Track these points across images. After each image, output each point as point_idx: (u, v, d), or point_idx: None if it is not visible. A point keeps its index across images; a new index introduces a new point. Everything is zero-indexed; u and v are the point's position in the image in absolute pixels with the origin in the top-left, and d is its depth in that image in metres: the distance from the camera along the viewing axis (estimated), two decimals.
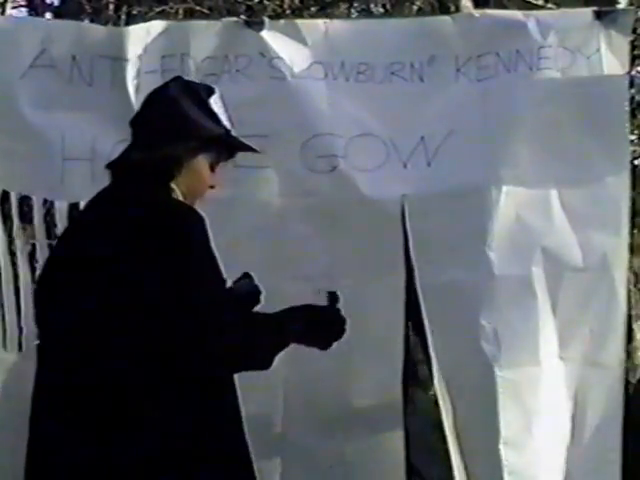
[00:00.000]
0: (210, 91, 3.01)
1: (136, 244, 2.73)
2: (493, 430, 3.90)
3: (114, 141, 3.86)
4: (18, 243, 4.13)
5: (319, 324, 2.91)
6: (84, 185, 3.91)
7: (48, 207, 4.21)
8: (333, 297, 2.92)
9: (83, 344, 2.74)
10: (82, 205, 3.84)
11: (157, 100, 3.00)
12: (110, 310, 2.71)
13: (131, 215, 2.80)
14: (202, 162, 2.97)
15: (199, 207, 2.91)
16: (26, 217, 4.20)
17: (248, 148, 3.09)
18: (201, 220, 2.78)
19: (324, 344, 2.93)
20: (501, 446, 3.90)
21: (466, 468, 3.95)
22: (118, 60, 3.94)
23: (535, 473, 3.97)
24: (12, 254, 4.17)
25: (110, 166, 2.97)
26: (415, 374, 4.10)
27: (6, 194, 4.10)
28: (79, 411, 2.73)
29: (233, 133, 3.02)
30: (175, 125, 2.92)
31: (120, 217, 2.81)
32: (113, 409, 2.70)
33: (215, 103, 2.99)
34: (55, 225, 4.07)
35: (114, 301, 2.71)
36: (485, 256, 3.94)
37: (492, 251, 3.95)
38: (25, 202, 4.17)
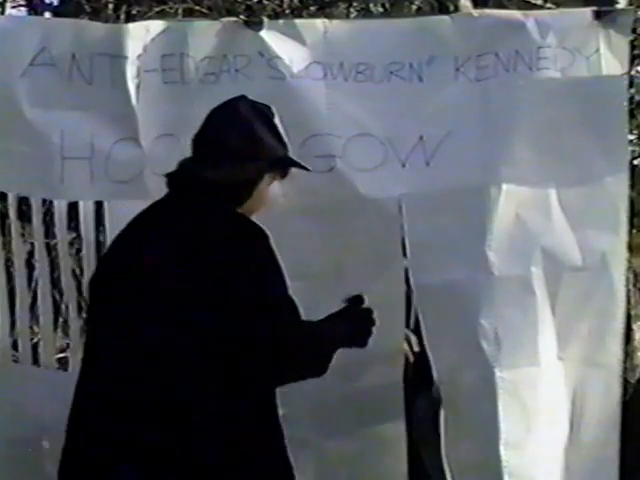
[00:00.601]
0: (272, 111, 3.10)
1: (213, 255, 2.81)
2: (493, 430, 3.91)
3: (114, 139, 3.89)
4: (15, 243, 4.12)
5: (359, 326, 3.06)
6: (83, 184, 3.92)
7: (47, 206, 4.21)
8: (359, 299, 3.11)
9: (152, 344, 2.79)
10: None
11: (228, 119, 3.06)
12: (184, 313, 2.77)
13: (206, 229, 2.87)
14: (266, 181, 3.07)
15: None
16: (25, 216, 4.19)
17: (303, 167, 3.21)
18: (267, 236, 2.91)
19: (363, 343, 3.10)
20: (501, 447, 3.91)
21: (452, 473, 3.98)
22: (117, 57, 3.92)
23: (535, 473, 3.97)
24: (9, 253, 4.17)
25: (171, 177, 3.02)
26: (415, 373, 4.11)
27: (4, 192, 4.10)
28: (135, 411, 2.79)
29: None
30: (250, 146, 3.00)
31: (194, 230, 2.87)
32: (173, 408, 2.77)
33: (279, 123, 3.08)
34: (54, 224, 4.06)
35: (185, 307, 2.77)
36: (484, 256, 3.95)
37: (491, 251, 3.95)
38: (24, 201, 4.16)
